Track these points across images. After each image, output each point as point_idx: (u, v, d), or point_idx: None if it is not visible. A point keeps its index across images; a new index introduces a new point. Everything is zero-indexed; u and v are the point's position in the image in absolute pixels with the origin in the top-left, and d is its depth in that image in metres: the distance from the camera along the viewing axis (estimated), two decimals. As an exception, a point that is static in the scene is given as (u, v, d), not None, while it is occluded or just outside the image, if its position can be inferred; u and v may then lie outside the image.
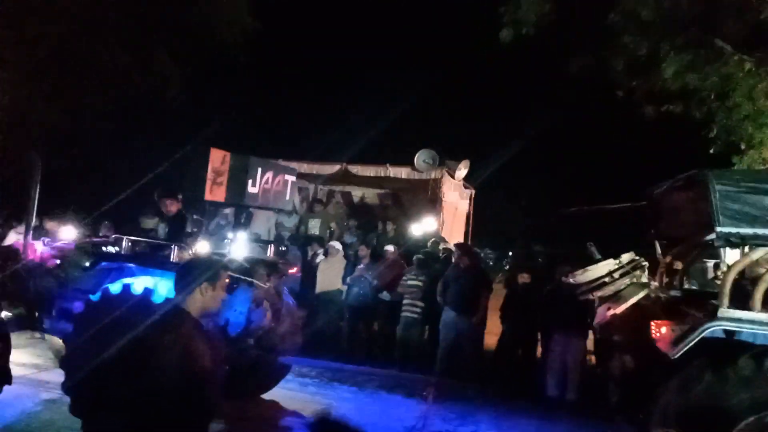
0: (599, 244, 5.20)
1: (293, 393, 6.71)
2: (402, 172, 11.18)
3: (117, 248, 5.80)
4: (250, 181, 6.14)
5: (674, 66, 9.06)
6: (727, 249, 4.40)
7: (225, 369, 5.03)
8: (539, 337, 7.70)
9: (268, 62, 14.81)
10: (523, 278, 7.87)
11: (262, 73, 15.30)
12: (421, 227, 10.26)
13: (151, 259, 5.64)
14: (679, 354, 3.99)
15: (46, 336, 6.93)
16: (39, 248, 6.51)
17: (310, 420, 1.99)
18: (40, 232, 6.87)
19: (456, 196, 11.98)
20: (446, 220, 11.09)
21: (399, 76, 16.54)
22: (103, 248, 6.04)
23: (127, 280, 5.26)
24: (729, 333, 4.13)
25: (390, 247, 9.23)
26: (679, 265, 5.51)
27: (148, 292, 5.12)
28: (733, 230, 4.05)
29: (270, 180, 6.44)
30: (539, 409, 6.63)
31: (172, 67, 11.62)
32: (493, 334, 8.27)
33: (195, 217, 6.23)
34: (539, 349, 7.76)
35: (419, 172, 10.91)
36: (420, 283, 8.25)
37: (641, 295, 4.51)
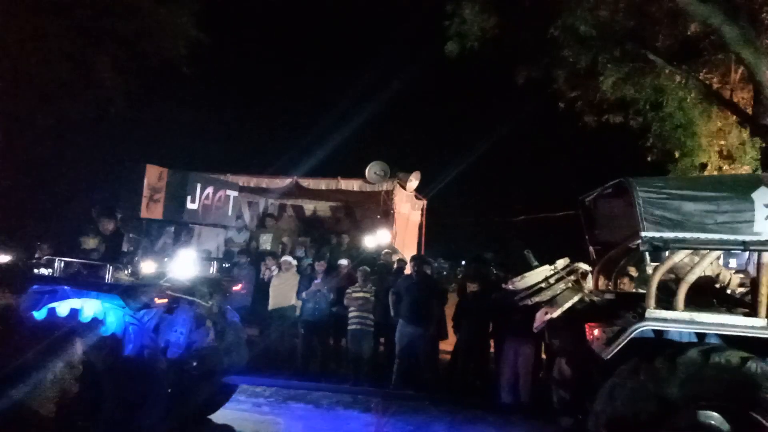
0: (545, 250, 5.34)
1: (246, 414, 6.54)
2: (354, 185, 11.16)
3: (50, 270, 5.53)
4: (189, 198, 5.96)
5: (612, 78, 9.47)
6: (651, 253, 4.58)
7: (165, 392, 4.88)
8: (492, 344, 7.79)
9: (215, 75, 14.57)
10: (472, 287, 7.94)
11: (210, 86, 15.04)
12: (375, 239, 10.26)
13: (85, 280, 5.41)
14: (611, 355, 4.16)
15: None
16: None
17: None
18: None
19: (408, 208, 12.07)
20: (399, 231, 11.14)
21: (349, 90, 16.61)
22: (36, 270, 5.74)
23: (54, 304, 5.03)
24: (658, 333, 4.33)
25: (343, 261, 9.18)
26: (611, 270, 5.74)
27: (74, 314, 4.93)
28: (657, 235, 4.22)
29: (210, 196, 6.29)
30: (494, 416, 6.70)
31: (116, 80, 11.26)
32: (449, 343, 8.32)
33: (131, 236, 6.02)
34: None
35: (371, 184, 10.92)
36: (367, 295, 8.22)
37: (575, 299, 4.68)
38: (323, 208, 12.86)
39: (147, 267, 5.57)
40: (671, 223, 4.20)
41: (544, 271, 4.80)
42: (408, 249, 11.44)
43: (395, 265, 9.13)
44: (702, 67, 9.90)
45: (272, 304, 8.83)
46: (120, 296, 5.04)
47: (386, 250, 9.69)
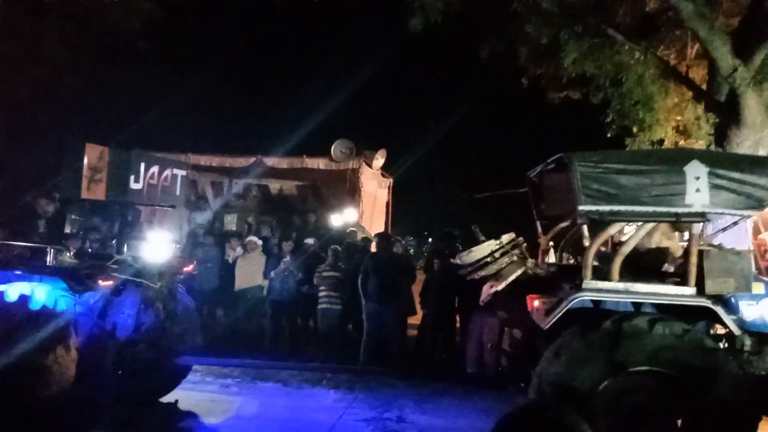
0: (510, 226, 5.47)
1: (214, 395, 6.52)
2: (319, 163, 11.08)
3: None
4: (132, 177, 5.74)
5: (573, 54, 9.53)
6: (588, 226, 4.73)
7: (112, 375, 4.80)
8: (458, 319, 7.93)
9: (173, 52, 14.08)
10: (438, 263, 8.03)
11: (168, 63, 14.55)
12: (341, 218, 10.22)
13: (27, 263, 5.22)
14: (549, 324, 4.33)
15: None
16: None
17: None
18: None
19: (374, 186, 12.05)
20: (365, 209, 11.14)
21: (314, 67, 16.34)
22: None
23: (3, 288, 4.86)
24: (595, 303, 4.51)
25: (310, 240, 9.13)
26: (558, 244, 5.93)
27: (23, 299, 4.76)
28: (593, 208, 4.36)
29: (156, 175, 6.05)
30: (460, 388, 6.84)
31: (64, 55, 10.76)
32: (418, 319, 8.42)
33: (73, 217, 5.84)
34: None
35: (336, 162, 10.86)
36: (337, 274, 8.22)
37: (519, 272, 4.84)
38: (289, 187, 12.69)
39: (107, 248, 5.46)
40: (607, 196, 4.33)
41: (490, 245, 4.95)
42: (375, 227, 11.44)
43: (361, 244, 9.13)
44: (660, 44, 10.04)
45: (238, 284, 8.75)
46: (62, 279, 4.89)
47: (351, 229, 9.67)
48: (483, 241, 5.03)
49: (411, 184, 16.32)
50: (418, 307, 8.30)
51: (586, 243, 4.50)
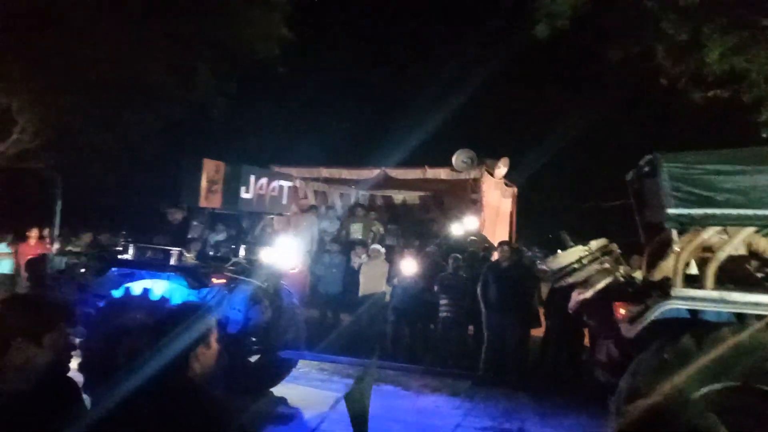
0: (635, 234, 5.19)
1: (337, 394, 6.86)
2: (441, 174, 11.21)
3: (126, 255, 6.27)
4: (243, 188, 6.54)
5: (718, 49, 8.73)
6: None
7: (226, 364, 5.29)
8: (586, 332, 7.55)
9: (302, 73, 15.15)
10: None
11: (299, 84, 15.66)
12: (462, 227, 10.25)
13: (154, 262, 6.08)
14: (635, 333, 4.05)
15: None
16: (64, 258, 7.09)
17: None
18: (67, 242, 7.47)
19: (497, 195, 11.91)
20: (488, 219, 11.04)
21: (434, 79, 16.55)
22: (116, 255, 6.49)
23: (130, 284, 5.68)
24: (683, 312, 4.14)
25: (432, 248, 9.29)
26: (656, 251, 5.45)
27: (145, 293, 5.54)
28: (684, 212, 4.03)
29: (264, 186, 6.83)
30: (586, 405, 6.51)
31: (214, 83, 12.08)
32: (542, 331, 8.16)
33: (195, 223, 6.66)
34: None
35: (458, 172, 10.91)
36: (457, 283, 8.25)
37: (608, 280, 4.60)
38: (412, 197, 13.03)
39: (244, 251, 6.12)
40: (700, 198, 4.00)
41: (578, 251, 4.74)
42: (498, 237, 11.27)
43: (482, 253, 9.09)
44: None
45: (362, 290, 9.14)
46: (183, 277, 5.60)
47: (472, 237, 9.66)
48: (571, 247, 4.84)
49: (538, 193, 15.79)
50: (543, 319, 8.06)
51: (677, 248, 4.16)
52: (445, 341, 8.30)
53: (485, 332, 7.76)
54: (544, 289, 8.26)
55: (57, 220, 6.96)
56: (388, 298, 9.05)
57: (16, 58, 9.51)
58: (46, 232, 10.20)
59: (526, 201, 14.05)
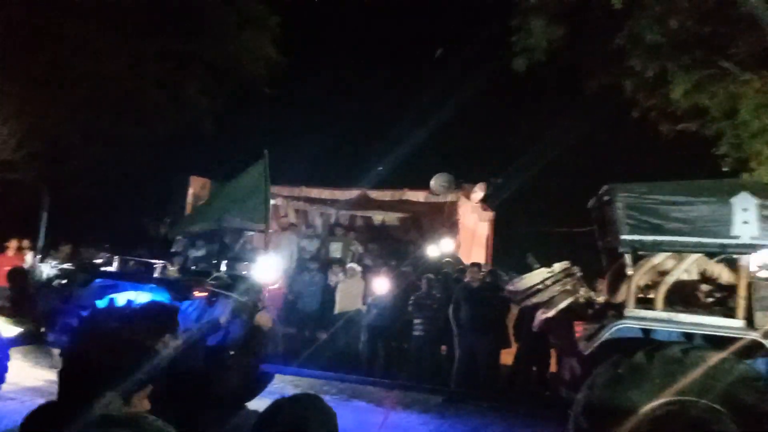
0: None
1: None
2: (420, 196, 11.49)
3: (110, 267, 6.45)
4: None
5: (682, 86, 9.27)
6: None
7: (205, 374, 5.45)
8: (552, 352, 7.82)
9: (288, 93, 15.47)
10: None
11: (284, 104, 15.96)
12: (438, 248, 10.53)
13: (138, 275, 6.26)
14: (590, 350, 4.38)
15: (52, 350, 7.50)
16: (46, 269, 7.21)
17: None
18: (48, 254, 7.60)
19: (474, 219, 12.22)
20: (464, 242, 11.32)
21: (415, 103, 16.98)
22: (99, 267, 6.67)
23: (114, 295, 5.86)
24: (637, 331, 4.49)
25: (407, 269, 9.53)
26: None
27: (129, 303, 5.69)
28: (636, 238, 4.41)
29: None
30: (553, 421, 6.75)
31: (203, 101, 12.34)
32: (511, 353, 8.41)
33: (178, 238, 6.88)
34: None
35: (436, 195, 11.22)
36: (431, 303, 8.49)
37: (569, 300, 4.94)
38: (391, 218, 13.29)
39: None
40: (650, 226, 4.38)
41: (542, 273, 5.08)
42: (474, 260, 11.54)
43: (455, 274, 9.35)
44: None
45: (338, 308, 9.31)
46: (166, 289, 5.81)
47: (447, 259, 9.93)
48: (536, 269, 5.19)
49: (515, 218, 16.17)
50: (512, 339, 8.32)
51: (629, 272, 4.51)
52: (418, 359, 8.50)
53: (456, 351, 7.99)
54: (513, 310, 8.54)
55: (42, 232, 7.06)
56: (364, 316, 9.23)
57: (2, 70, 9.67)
58: (25, 243, 10.23)
59: (505, 225, 14.38)
